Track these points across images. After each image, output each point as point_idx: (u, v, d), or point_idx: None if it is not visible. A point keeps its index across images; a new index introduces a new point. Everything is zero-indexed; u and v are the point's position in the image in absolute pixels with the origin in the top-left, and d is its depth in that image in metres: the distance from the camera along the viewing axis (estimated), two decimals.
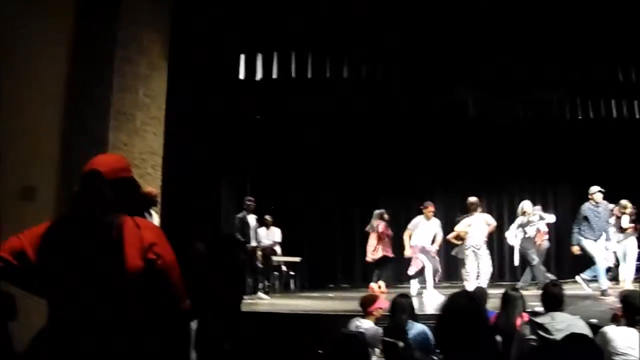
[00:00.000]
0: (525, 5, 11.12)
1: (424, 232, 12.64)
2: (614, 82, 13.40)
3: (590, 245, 11.10)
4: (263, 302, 11.94)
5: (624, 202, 11.98)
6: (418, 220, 12.75)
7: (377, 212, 14.06)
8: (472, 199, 12.07)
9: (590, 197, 11.24)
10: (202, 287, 3.67)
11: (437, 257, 12.80)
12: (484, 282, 11.38)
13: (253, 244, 12.73)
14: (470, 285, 11.27)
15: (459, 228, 12.15)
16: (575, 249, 11.48)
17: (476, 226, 11.89)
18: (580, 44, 12.06)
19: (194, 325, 5.48)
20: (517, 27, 11.58)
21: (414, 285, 12.92)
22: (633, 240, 12.06)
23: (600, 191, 11.29)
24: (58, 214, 3.65)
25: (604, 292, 10.81)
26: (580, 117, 14.66)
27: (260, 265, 13.02)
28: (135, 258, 3.01)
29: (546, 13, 11.18)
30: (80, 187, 3.17)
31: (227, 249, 6.65)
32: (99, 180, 3.13)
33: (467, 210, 12.23)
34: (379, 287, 13.42)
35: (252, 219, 12.86)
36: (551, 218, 13.65)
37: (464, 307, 3.10)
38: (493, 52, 12.32)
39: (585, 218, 11.11)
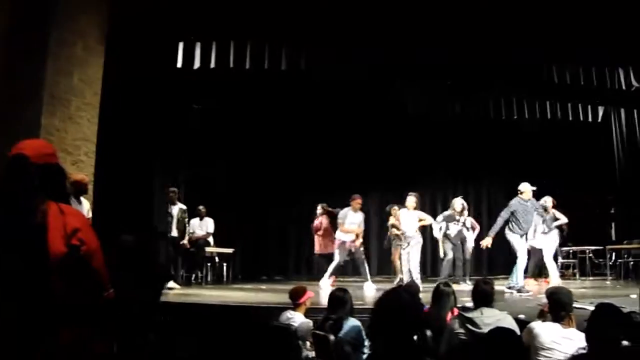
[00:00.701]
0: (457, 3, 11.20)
1: (349, 224, 12.56)
2: (541, 83, 13.70)
3: (516, 240, 11.14)
4: (173, 291, 11.51)
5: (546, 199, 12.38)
6: (346, 212, 12.65)
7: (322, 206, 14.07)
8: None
9: (519, 193, 11.34)
10: (125, 278, 3.62)
11: (362, 251, 12.74)
12: (407, 276, 11.56)
13: (174, 234, 12.57)
14: (405, 278, 11.40)
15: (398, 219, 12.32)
16: (488, 241, 11.31)
17: (408, 218, 11.99)
18: (508, 47, 12.20)
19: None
20: (450, 27, 11.64)
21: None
22: (555, 236, 12.43)
23: (532, 189, 11.38)
24: None
25: (520, 290, 10.88)
26: (515, 117, 15.06)
27: (172, 253, 12.77)
28: (59, 243, 2.96)
29: (476, 14, 11.27)
30: (6, 171, 3.11)
31: (151, 241, 6.57)
32: (25, 164, 3.08)
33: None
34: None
35: (175, 210, 12.72)
36: (469, 238, 13.76)
37: (404, 302, 3.11)
38: (430, 51, 12.37)
39: (514, 213, 11.15)
